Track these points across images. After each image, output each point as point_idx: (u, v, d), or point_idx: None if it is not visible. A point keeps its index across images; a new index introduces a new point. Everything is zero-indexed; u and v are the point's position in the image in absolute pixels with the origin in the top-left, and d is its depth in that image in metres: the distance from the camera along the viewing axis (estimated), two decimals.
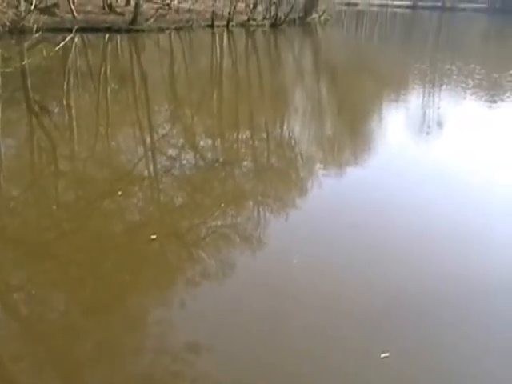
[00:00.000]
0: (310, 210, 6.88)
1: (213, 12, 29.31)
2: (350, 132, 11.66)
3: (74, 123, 11.08)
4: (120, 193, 7.25)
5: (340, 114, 13.52)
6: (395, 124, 11.99)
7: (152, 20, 26.45)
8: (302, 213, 6.83)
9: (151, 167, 8.69)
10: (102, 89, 14.71)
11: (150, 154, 9.32)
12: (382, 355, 4.23)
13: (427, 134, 11.02)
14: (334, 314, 4.75)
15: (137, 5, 25.96)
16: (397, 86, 17.17)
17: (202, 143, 10.03)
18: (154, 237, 5.94)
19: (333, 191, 7.66)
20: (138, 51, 22.61)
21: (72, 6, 25.27)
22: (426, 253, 5.78)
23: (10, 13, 21.13)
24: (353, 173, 8.45)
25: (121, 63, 19.14)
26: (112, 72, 16.92)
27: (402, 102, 14.36)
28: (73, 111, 11.87)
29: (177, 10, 29.44)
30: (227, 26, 29.51)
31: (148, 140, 10.26)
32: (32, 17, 20.40)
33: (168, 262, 5.70)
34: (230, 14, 29.61)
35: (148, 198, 7.48)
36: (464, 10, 69.33)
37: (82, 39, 22.90)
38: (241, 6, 31.64)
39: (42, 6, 23.10)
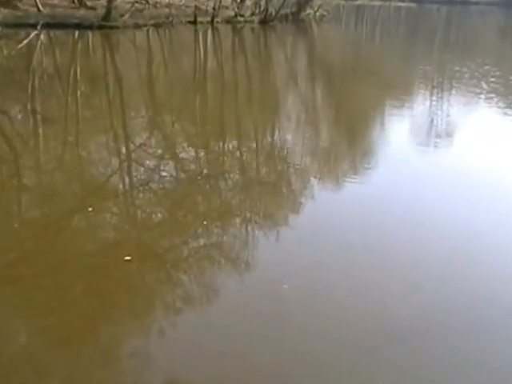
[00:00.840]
0: (303, 229, 6.94)
1: (195, 7, 29.26)
2: (348, 142, 11.81)
3: (40, 130, 11.11)
4: (91, 209, 7.28)
5: (337, 122, 13.68)
6: (399, 134, 12.13)
7: (127, 15, 26.49)
8: (295, 232, 6.90)
9: (126, 180, 8.76)
10: (72, 92, 14.76)
11: (125, 165, 9.40)
12: None
13: (435, 146, 11.09)
14: (328, 342, 4.80)
15: None
16: (400, 91, 17.41)
17: (183, 154, 10.12)
18: (128, 258, 5.98)
19: (329, 208, 7.75)
20: (112, 50, 22.71)
21: None
22: (429, 278, 5.85)
23: None
24: (351, 188, 8.55)
25: (92, 63, 19.23)
26: (82, 73, 16.99)
27: (406, 108, 14.53)
28: (38, 117, 11.91)
29: (155, 5, 29.46)
30: (212, 22, 29.57)
31: (123, 150, 10.33)
32: None
33: (145, 286, 5.73)
34: (214, 9, 29.63)
35: (123, 215, 7.53)
36: (477, 3, 68.59)
37: (49, 36, 22.96)
38: (227, 0, 31.92)
39: None
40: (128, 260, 5.98)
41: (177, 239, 6.74)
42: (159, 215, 7.55)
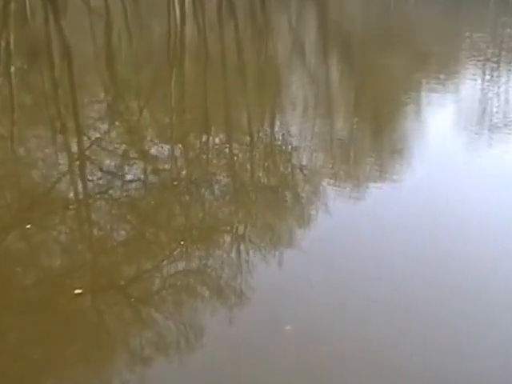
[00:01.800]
0: (311, 251, 6.91)
1: None
2: (372, 136, 11.83)
3: None
4: (29, 226, 7.24)
5: (357, 108, 13.68)
6: (439, 126, 12.12)
7: None
8: (302, 255, 6.87)
9: (78, 187, 8.76)
10: (4, 69, 14.74)
11: (76, 167, 9.39)
12: None
13: (489, 143, 11.11)
14: None
15: None
16: (441, 68, 17.45)
17: (154, 151, 10.11)
18: (79, 291, 5.95)
19: (346, 223, 7.72)
20: (58, 14, 22.69)
21: None
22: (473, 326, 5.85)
23: None
24: (376, 196, 8.52)
25: (31, 31, 19.23)
26: (18, 44, 16.98)
27: (448, 91, 14.57)
28: None
29: None
30: None
31: (74, 146, 10.32)
32: None
33: (101, 329, 5.68)
34: None
35: (73, 233, 7.49)
36: None
37: None
38: None
39: None
40: (79, 293, 5.94)
41: (146, 265, 6.71)
42: (122, 233, 7.52)
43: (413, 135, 11.67)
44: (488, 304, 6.08)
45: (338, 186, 8.96)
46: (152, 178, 9.06)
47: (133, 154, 10.00)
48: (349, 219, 7.88)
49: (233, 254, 6.97)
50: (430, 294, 6.20)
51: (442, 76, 16.13)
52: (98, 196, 8.28)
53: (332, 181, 9.17)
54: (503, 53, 18.99)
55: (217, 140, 10.89)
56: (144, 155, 9.91)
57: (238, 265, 6.74)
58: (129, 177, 8.98)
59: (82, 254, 7.02)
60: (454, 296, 6.21)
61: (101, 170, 9.15)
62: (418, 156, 10.25)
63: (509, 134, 11.59)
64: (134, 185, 8.70)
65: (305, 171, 9.52)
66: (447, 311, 5.95)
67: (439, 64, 17.96)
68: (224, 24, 23.15)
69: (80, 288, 6.02)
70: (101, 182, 8.76)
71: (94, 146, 10.12)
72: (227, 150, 10.44)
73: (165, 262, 6.75)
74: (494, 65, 17.54)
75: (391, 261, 6.79)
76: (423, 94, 14.61)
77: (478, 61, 17.79)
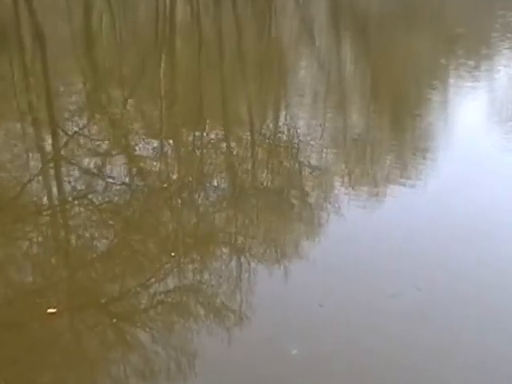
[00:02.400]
0: (321, 265, 6.88)
1: None
2: (392, 130, 11.81)
3: None
4: None
5: (374, 99, 13.67)
6: (469, 119, 12.09)
7: None
8: (309, 269, 6.85)
9: (53, 190, 8.72)
10: None
11: (50, 167, 9.39)
12: None
13: None
14: None
15: None
16: (470, 52, 17.41)
17: (140, 149, 10.11)
18: (52, 311, 5.93)
19: (360, 232, 7.69)
20: None
21: None
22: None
23: None
24: (395, 201, 8.52)
25: None
26: None
27: (481, 78, 14.55)
28: None
29: None
30: None
31: (48, 143, 10.31)
32: None
33: (78, 355, 5.64)
34: None
35: (46, 244, 7.49)
36: None
37: None
38: None
39: None
40: (52, 313, 5.91)
41: (131, 280, 6.67)
42: (103, 243, 7.48)
43: (439, 130, 11.65)
44: None
45: (353, 189, 8.94)
46: (138, 180, 9.07)
47: (116, 152, 9.98)
48: (364, 227, 7.84)
49: (231, 268, 6.93)
50: (461, 315, 6.18)
51: (471, 62, 16.10)
52: (76, 201, 8.26)
53: (345, 183, 9.17)
54: None
55: (213, 136, 10.86)
56: (129, 153, 9.91)
57: (237, 280, 6.70)
58: (111, 179, 8.95)
59: (57, 268, 7.00)
60: (489, 317, 6.16)
61: (79, 170, 9.15)
62: (444, 154, 10.23)
63: None
64: (117, 188, 8.67)
65: (314, 172, 9.51)
66: (479, 333, 5.92)
67: (468, 47, 17.93)
68: (220, 2, 23.13)
69: (54, 307, 5.99)
70: (79, 184, 8.74)
71: (71, 143, 10.11)
72: (225, 147, 10.43)
73: (153, 277, 6.70)
74: None
75: (412, 275, 6.75)
76: (450, 82, 14.59)
77: None
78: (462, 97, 13.44)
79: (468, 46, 18.30)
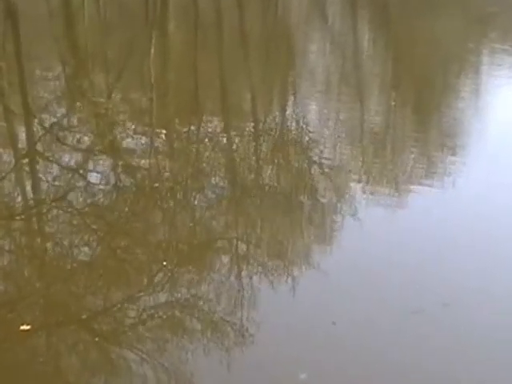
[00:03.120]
0: (334, 277, 6.87)
1: None
2: (415, 123, 11.82)
3: None
4: None
5: (394, 87, 13.67)
6: (503, 110, 12.09)
7: None
8: (320, 281, 6.83)
9: (27, 190, 8.71)
10: None
11: (23, 164, 9.40)
12: None
13: None
14: None
15: None
16: (504, 34, 17.36)
17: (128, 143, 10.14)
18: (26, 328, 5.89)
19: (379, 239, 7.69)
20: None
21: None
22: None
23: None
24: (418, 204, 8.54)
25: None
26: None
27: None
28: None
29: None
30: None
31: (20, 136, 10.33)
32: None
33: (55, 378, 5.62)
34: None
35: (19, 252, 7.49)
36: None
37: None
38: None
39: None
40: (26, 330, 5.89)
41: (116, 293, 6.68)
42: (85, 251, 7.47)
43: (468, 123, 11.69)
44: None
45: (370, 191, 8.96)
46: (125, 179, 9.08)
47: (100, 147, 10.01)
48: (383, 235, 7.83)
49: (231, 280, 6.92)
50: (491, 337, 6.12)
51: (505, 46, 16.09)
52: (54, 203, 8.25)
53: (362, 184, 9.18)
54: None
55: (211, 129, 10.88)
56: (115, 149, 9.93)
57: (238, 294, 6.68)
58: (93, 178, 8.97)
59: (31, 279, 6.99)
60: None
61: (57, 167, 9.16)
62: (474, 151, 10.25)
63: None
64: (101, 188, 8.69)
65: (326, 170, 9.51)
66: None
67: (502, 29, 17.90)
68: None
69: (28, 323, 5.97)
70: (57, 183, 8.76)
71: (48, 136, 10.12)
72: (224, 142, 10.46)
73: (142, 290, 6.68)
74: None
75: (438, 289, 6.74)
76: (481, 69, 14.59)
77: None
78: (495, 86, 13.43)
79: (501, 26, 18.29)
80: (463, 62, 15.17)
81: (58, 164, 9.27)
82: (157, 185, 8.76)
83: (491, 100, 12.77)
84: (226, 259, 7.35)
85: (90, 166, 9.34)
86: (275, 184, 9.25)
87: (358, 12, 20.03)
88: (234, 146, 10.27)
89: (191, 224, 8.03)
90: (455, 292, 6.68)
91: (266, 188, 9.05)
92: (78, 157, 9.58)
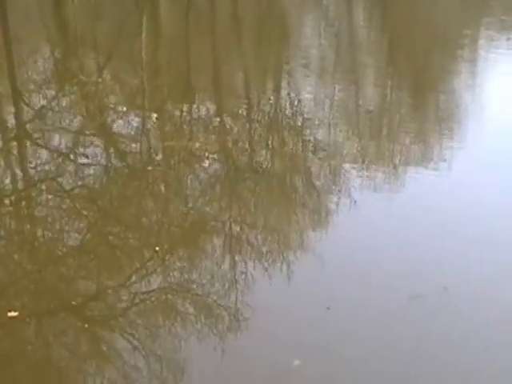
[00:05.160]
0: (328, 261, 6.85)
1: None
2: (412, 105, 11.81)
3: None
4: None
5: (391, 67, 13.64)
6: (503, 92, 12.09)
7: None
8: (314, 266, 6.81)
9: (16, 172, 8.72)
10: None
11: (12, 146, 9.39)
12: None
13: None
14: None
15: None
16: (506, 11, 17.33)
17: (119, 125, 10.14)
18: (14, 314, 5.89)
19: (375, 223, 7.67)
20: None
21: None
22: None
23: None
24: (415, 188, 8.53)
25: None
26: None
27: None
28: None
29: None
30: None
31: (9, 119, 10.33)
32: None
33: (44, 366, 5.61)
34: None
35: (8, 236, 7.47)
36: None
37: None
38: None
39: None
40: (14, 317, 5.88)
41: (107, 280, 6.64)
42: (75, 236, 7.43)
43: (467, 105, 11.65)
44: None
45: (366, 174, 8.95)
46: (116, 162, 9.05)
47: (89, 130, 9.97)
48: (379, 218, 7.82)
49: (225, 265, 6.90)
50: (489, 320, 6.11)
51: (508, 22, 16.07)
52: (43, 186, 8.23)
53: (358, 166, 9.15)
54: None
55: (203, 111, 10.86)
56: (106, 131, 9.90)
57: (231, 279, 6.66)
58: (84, 159, 8.93)
59: (20, 264, 6.97)
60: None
61: (46, 150, 9.13)
62: (472, 135, 10.22)
63: None
64: (91, 171, 8.66)
65: (321, 153, 9.50)
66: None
67: (505, 6, 17.90)
68: None
69: (15, 310, 5.96)
70: (47, 166, 8.74)
71: (37, 119, 10.08)
72: (217, 124, 10.43)
73: (133, 276, 6.65)
74: None
75: (436, 274, 6.72)
76: (482, 48, 14.56)
77: None
78: (495, 64, 13.43)
79: (503, 4, 18.30)
80: (462, 41, 15.15)
81: (47, 145, 9.25)
82: (150, 168, 8.73)
83: (489, 80, 12.77)
84: (218, 243, 7.32)
85: (80, 148, 9.31)
86: (269, 165, 9.23)
87: None
88: (226, 127, 10.25)
89: (183, 208, 8.01)
90: (455, 277, 6.67)
91: (260, 169, 9.03)
92: (68, 138, 9.56)
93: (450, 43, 15.12)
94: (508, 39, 14.79)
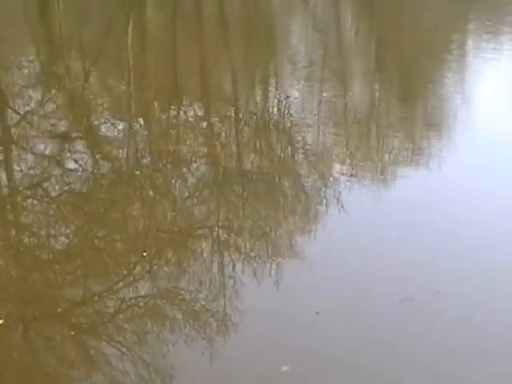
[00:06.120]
0: (317, 265, 6.82)
1: None
2: (400, 106, 11.85)
3: None
4: None
5: (379, 68, 13.66)
6: (491, 92, 12.12)
7: None
8: (303, 270, 6.80)
9: (1, 177, 8.66)
10: None
11: None
12: None
13: None
14: None
15: None
16: (493, 11, 17.40)
17: (106, 128, 10.14)
18: None
19: (364, 226, 7.68)
20: None
21: None
22: None
23: None
24: (404, 189, 8.57)
25: None
26: None
27: (504, 44, 14.60)
28: None
29: None
30: None
31: None
32: None
33: (29, 374, 5.55)
34: None
35: None
36: None
37: None
38: None
39: None
40: None
41: (93, 285, 6.60)
42: (61, 241, 7.43)
43: (455, 106, 11.69)
44: None
45: (356, 176, 8.94)
46: (103, 166, 9.04)
47: (75, 134, 9.95)
48: (368, 221, 7.83)
49: (213, 270, 6.88)
50: (482, 324, 6.10)
51: (493, 19, 16.12)
52: (28, 191, 8.22)
53: (347, 168, 9.17)
54: None
55: (191, 114, 10.85)
56: (92, 135, 9.88)
57: (220, 284, 6.65)
58: (70, 164, 8.94)
59: (5, 271, 6.93)
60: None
61: (32, 154, 9.11)
62: (461, 135, 10.27)
63: None
64: (77, 174, 8.64)
65: (309, 155, 9.51)
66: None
67: (491, 5, 17.96)
68: None
69: (0, 317, 5.91)
70: (32, 171, 8.71)
71: (23, 123, 10.06)
72: (205, 127, 10.43)
73: (120, 281, 6.64)
74: None
75: (426, 277, 6.72)
76: (470, 47, 14.60)
77: None
78: (483, 63, 13.48)
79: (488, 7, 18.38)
80: (450, 40, 15.21)
81: (33, 150, 9.22)
82: (138, 172, 8.72)
83: (478, 79, 12.81)
84: (206, 248, 7.31)
85: (66, 152, 9.29)
86: (257, 168, 9.23)
87: None
88: (214, 130, 10.25)
89: (171, 212, 7.99)
90: (445, 280, 6.67)
91: (248, 172, 9.03)
92: (54, 143, 9.54)
93: (439, 41, 15.16)
94: (495, 43, 14.83)
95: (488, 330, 6.03)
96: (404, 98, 12.18)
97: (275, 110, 11.22)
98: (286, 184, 8.87)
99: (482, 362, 5.69)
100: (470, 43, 15.09)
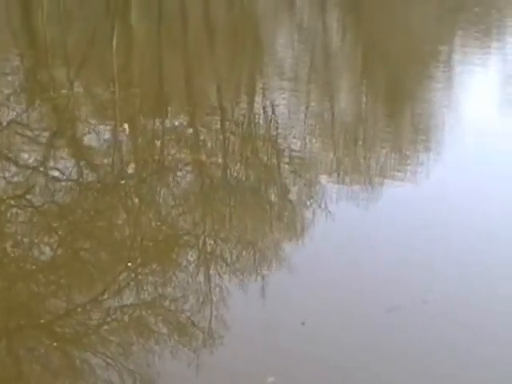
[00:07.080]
0: (304, 273, 6.83)
1: None
2: (387, 114, 11.90)
3: None
4: None
5: (366, 76, 13.68)
6: (480, 99, 12.18)
7: None
8: (290, 279, 6.81)
9: None
10: None
11: None
12: None
13: None
14: None
15: None
16: (482, 17, 17.45)
17: (90, 138, 10.06)
18: None
19: (352, 234, 7.68)
20: None
21: None
22: None
23: None
24: (392, 198, 8.58)
25: None
26: None
27: (492, 51, 14.72)
28: None
29: None
30: None
31: None
32: None
33: None
34: None
35: None
36: None
37: None
38: None
39: None
40: None
41: (77, 296, 6.58)
42: (45, 251, 7.36)
43: (443, 114, 11.68)
44: None
45: (343, 185, 8.96)
46: (87, 175, 9.03)
47: (59, 143, 9.94)
48: (357, 229, 7.84)
49: (199, 280, 6.88)
50: (472, 334, 6.12)
51: (482, 27, 16.15)
52: (12, 200, 8.21)
53: (334, 177, 9.19)
54: None
55: (176, 123, 10.87)
56: (76, 144, 9.86)
57: (205, 294, 6.65)
58: (54, 173, 8.91)
59: None
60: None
61: (15, 164, 9.09)
62: (447, 143, 10.26)
63: None
64: (61, 184, 8.63)
65: (296, 164, 9.52)
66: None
67: (481, 11, 18.02)
68: None
69: None
70: (15, 180, 8.70)
71: (6, 131, 10.04)
72: (191, 136, 10.41)
73: (105, 292, 6.62)
74: None
75: (416, 284, 6.74)
76: (457, 54, 14.64)
77: None
78: (471, 71, 13.52)
79: (480, 9, 18.44)
80: (437, 47, 15.25)
81: (16, 160, 9.21)
82: (123, 181, 8.71)
83: (465, 87, 12.85)
84: (192, 258, 7.31)
85: (50, 161, 9.27)
86: (243, 177, 9.24)
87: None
88: (200, 139, 10.24)
89: (156, 222, 7.97)
90: (434, 289, 6.69)
91: (234, 181, 9.05)
92: (38, 152, 9.52)
93: (426, 48, 15.21)
94: (482, 50, 14.88)
95: (484, 333, 6.07)
96: (392, 105, 12.21)
97: (261, 118, 11.22)
98: (272, 192, 8.88)
99: (477, 365, 5.74)
100: (457, 51, 15.13)
